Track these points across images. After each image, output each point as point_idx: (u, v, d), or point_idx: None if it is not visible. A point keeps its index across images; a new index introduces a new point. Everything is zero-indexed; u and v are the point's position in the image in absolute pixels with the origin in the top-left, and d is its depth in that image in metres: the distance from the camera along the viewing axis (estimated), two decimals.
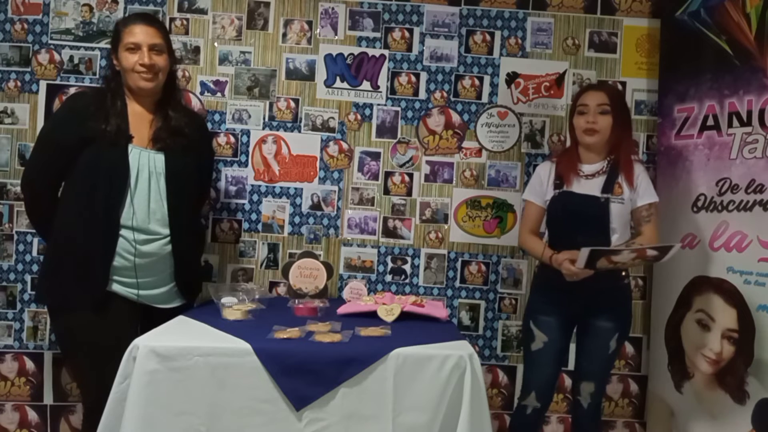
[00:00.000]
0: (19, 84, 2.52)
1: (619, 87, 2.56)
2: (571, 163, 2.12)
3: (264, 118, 2.59)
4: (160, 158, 1.96)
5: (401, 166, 2.61)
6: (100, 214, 1.86)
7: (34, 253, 2.51)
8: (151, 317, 1.92)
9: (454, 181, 2.61)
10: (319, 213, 2.60)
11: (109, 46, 2.47)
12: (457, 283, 2.61)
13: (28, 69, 2.52)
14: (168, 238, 1.96)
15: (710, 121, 2.31)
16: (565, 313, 2.10)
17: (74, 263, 1.86)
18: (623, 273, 2.09)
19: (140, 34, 1.92)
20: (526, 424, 2.17)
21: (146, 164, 1.93)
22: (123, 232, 1.88)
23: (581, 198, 2.06)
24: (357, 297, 2.26)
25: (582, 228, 2.03)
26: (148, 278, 1.94)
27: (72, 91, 2.50)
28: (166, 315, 1.94)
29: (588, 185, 2.08)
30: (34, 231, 2.46)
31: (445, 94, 2.61)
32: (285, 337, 1.67)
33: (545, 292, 2.16)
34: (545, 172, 2.19)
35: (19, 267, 2.51)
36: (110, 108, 1.90)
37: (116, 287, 1.89)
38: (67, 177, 1.92)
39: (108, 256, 1.86)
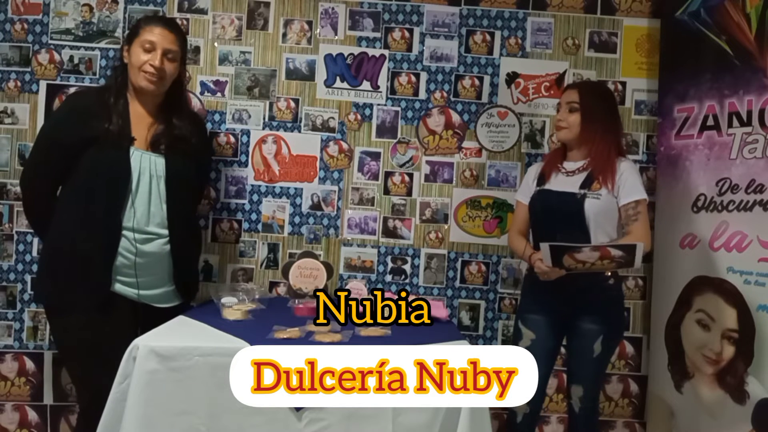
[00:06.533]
0: (19, 84, 2.51)
1: (608, 85, 2.52)
2: (555, 160, 2.17)
3: (264, 118, 2.59)
4: (160, 161, 1.96)
5: (401, 166, 2.61)
6: (101, 216, 1.86)
7: (34, 253, 2.51)
8: (150, 317, 1.91)
9: (454, 181, 2.61)
10: (319, 213, 2.60)
11: (109, 46, 2.52)
12: (457, 283, 2.61)
13: (28, 69, 2.52)
14: (167, 239, 1.96)
15: (710, 121, 2.31)
16: (554, 313, 2.09)
17: (75, 264, 1.85)
18: (608, 274, 2.03)
19: (159, 35, 1.91)
20: None
21: (147, 167, 1.93)
22: (123, 232, 1.88)
23: (557, 195, 2.07)
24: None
25: (560, 225, 2.02)
26: (148, 278, 1.94)
27: (72, 91, 2.49)
28: (166, 315, 1.94)
29: (567, 182, 2.08)
30: (34, 231, 2.46)
31: (445, 94, 2.61)
32: (285, 337, 1.68)
33: (533, 294, 2.16)
34: (533, 171, 2.24)
35: (19, 267, 2.51)
36: (112, 107, 1.89)
37: (117, 287, 1.89)
38: (67, 177, 1.91)
39: (110, 257, 1.86)
